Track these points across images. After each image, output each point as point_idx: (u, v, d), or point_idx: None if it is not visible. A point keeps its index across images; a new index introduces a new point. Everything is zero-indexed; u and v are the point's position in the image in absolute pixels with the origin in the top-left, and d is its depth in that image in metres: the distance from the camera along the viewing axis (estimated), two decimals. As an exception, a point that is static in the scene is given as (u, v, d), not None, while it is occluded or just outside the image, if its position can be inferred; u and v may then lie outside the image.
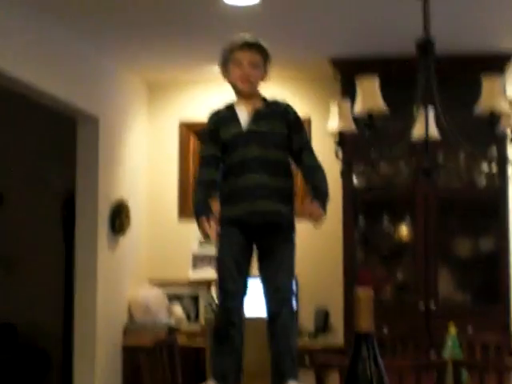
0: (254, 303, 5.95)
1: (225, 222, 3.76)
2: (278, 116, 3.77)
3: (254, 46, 3.78)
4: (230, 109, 3.79)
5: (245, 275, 3.80)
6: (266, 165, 3.68)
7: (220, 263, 3.80)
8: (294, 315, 3.73)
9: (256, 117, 3.74)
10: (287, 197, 3.71)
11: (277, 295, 3.67)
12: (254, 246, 3.83)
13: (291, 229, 3.76)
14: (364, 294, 1.54)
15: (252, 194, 3.68)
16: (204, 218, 3.52)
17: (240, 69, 3.74)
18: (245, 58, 3.74)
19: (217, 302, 3.89)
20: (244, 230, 3.73)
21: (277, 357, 3.65)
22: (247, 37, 3.84)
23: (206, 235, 3.56)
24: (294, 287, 3.80)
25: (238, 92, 3.79)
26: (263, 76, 3.83)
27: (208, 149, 3.72)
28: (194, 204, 3.67)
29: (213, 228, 3.52)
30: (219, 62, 3.83)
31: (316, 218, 3.49)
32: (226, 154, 3.68)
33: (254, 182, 3.65)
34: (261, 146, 3.68)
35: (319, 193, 3.58)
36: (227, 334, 3.69)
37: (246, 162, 3.69)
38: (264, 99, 3.85)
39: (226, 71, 3.81)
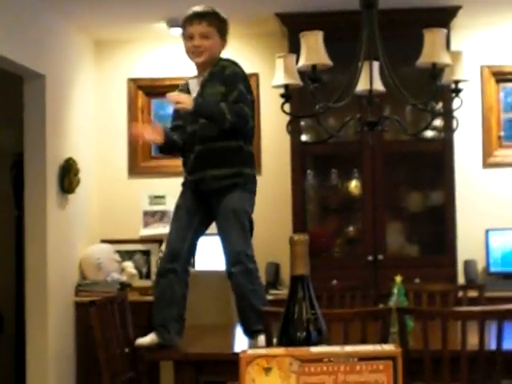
0: (212, 257, 6.00)
1: (185, 187, 3.96)
2: (217, 78, 3.89)
3: (205, 18, 3.85)
4: (186, 82, 3.99)
5: (194, 232, 3.90)
6: (207, 138, 3.81)
7: (173, 216, 3.94)
8: (249, 273, 3.78)
9: (202, 88, 3.89)
10: (228, 160, 3.82)
11: (229, 256, 3.77)
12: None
13: (239, 186, 3.85)
14: (298, 238, 1.57)
15: (199, 164, 3.79)
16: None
17: (191, 42, 3.86)
18: (195, 30, 3.85)
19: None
20: (198, 194, 3.89)
21: (241, 313, 3.78)
22: (197, 9, 3.91)
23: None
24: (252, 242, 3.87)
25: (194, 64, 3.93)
26: (219, 44, 3.92)
27: (172, 120, 4.02)
28: None
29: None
30: None
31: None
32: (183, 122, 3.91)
33: (199, 155, 3.82)
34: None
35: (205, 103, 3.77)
36: (167, 283, 3.80)
37: (193, 136, 3.86)
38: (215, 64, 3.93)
39: (184, 46, 3.94)
